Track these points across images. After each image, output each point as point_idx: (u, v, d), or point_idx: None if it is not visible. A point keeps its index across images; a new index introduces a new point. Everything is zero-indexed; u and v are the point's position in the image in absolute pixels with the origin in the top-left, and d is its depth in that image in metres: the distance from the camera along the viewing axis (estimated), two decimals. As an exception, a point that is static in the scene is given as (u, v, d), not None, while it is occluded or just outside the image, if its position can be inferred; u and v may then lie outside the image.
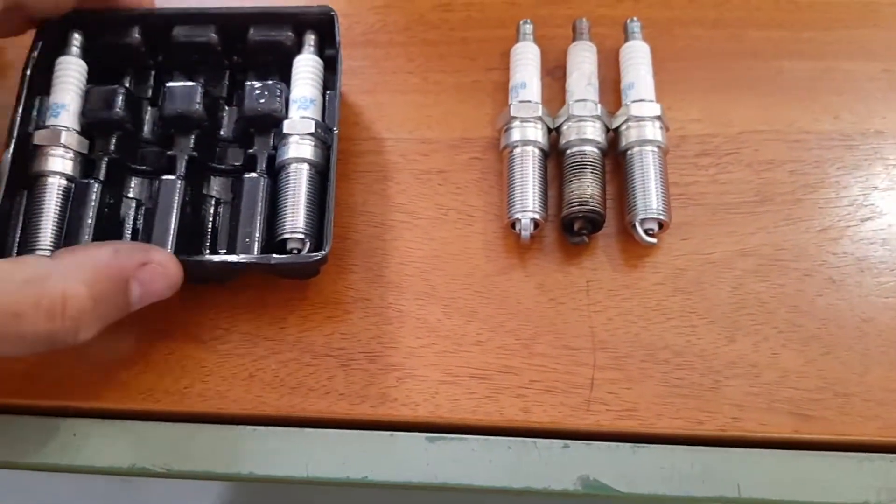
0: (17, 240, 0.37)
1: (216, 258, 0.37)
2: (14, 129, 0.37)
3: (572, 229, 0.38)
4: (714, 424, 0.35)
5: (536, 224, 0.38)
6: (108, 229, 0.38)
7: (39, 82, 0.39)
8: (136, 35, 0.41)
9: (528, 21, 0.43)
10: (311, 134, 0.38)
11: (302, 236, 0.36)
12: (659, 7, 0.46)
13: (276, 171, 0.39)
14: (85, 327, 0.31)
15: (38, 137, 0.37)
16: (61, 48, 0.40)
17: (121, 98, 0.39)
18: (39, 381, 0.37)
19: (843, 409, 0.35)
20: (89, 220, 0.37)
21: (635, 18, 0.43)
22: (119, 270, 0.32)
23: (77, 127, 0.39)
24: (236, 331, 0.38)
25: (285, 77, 0.41)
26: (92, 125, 0.39)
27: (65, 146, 0.38)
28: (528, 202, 0.38)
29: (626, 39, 0.43)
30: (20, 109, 0.38)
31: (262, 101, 0.40)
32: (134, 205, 0.40)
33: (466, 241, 0.40)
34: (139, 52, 0.41)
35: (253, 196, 0.38)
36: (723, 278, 0.38)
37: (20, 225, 0.38)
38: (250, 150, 0.40)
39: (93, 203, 0.37)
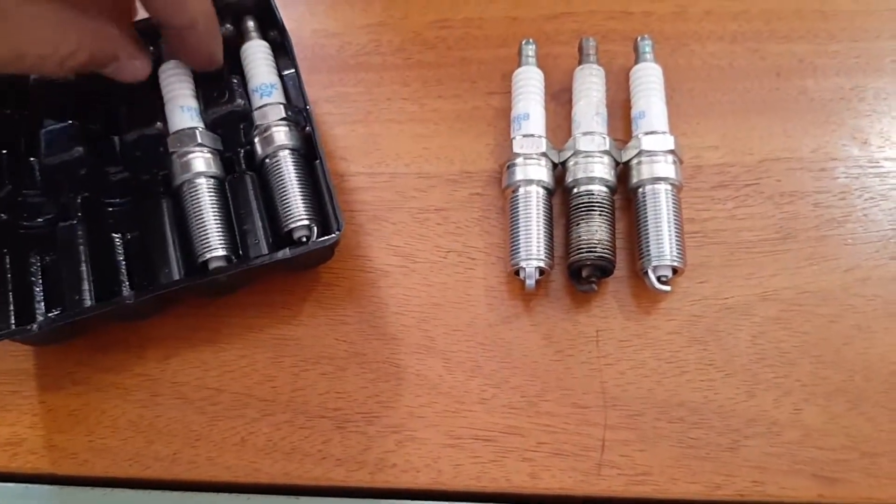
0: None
1: (233, 269, 0.34)
2: None
3: (580, 276, 0.36)
4: (732, 489, 0.33)
5: (542, 271, 0.36)
6: (105, 269, 0.37)
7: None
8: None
9: (531, 41, 0.40)
10: (282, 119, 0.37)
11: (307, 222, 0.35)
12: (672, 20, 0.42)
13: (258, 165, 0.37)
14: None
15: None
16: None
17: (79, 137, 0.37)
18: (23, 448, 0.36)
19: (870, 470, 0.33)
20: (82, 266, 0.36)
21: (646, 37, 0.40)
22: None
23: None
24: (226, 390, 0.36)
25: (233, 71, 0.39)
26: (54, 168, 0.37)
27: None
28: (533, 249, 0.35)
29: (637, 60, 0.40)
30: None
31: (222, 100, 0.38)
32: (120, 239, 0.38)
33: (467, 287, 0.37)
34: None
35: (245, 195, 0.37)
36: (742, 326, 0.36)
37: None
38: (226, 154, 0.38)
39: (81, 246, 0.36)
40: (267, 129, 0.36)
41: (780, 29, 0.42)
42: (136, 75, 0.36)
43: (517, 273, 0.36)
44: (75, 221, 0.36)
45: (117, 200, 0.38)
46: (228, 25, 0.39)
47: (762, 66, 0.41)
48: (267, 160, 0.36)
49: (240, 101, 0.38)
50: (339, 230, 0.34)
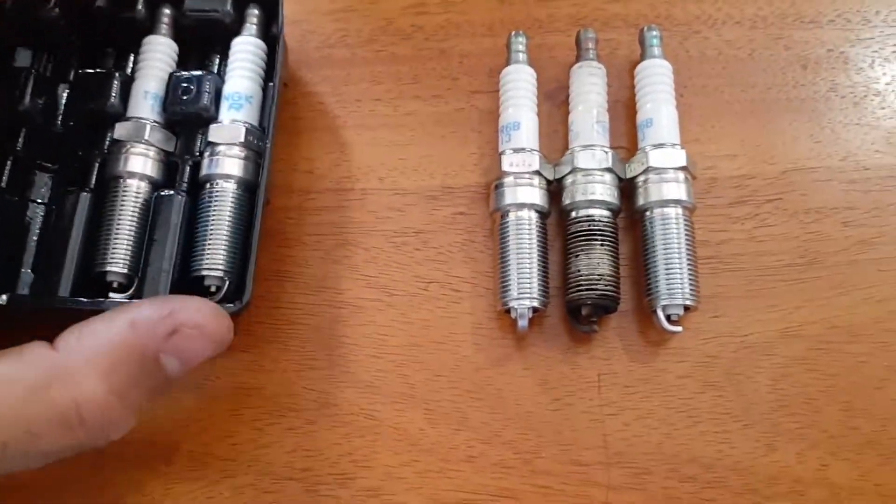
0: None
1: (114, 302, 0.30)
2: None
3: (579, 314, 0.32)
4: (751, 557, 0.30)
5: (536, 310, 0.31)
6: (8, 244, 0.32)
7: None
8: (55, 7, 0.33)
9: (521, 34, 0.35)
10: (240, 143, 0.32)
11: (221, 273, 0.31)
12: (683, 1, 0.37)
13: (200, 183, 0.32)
14: (113, 426, 0.26)
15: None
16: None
17: (30, 86, 0.32)
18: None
19: (904, 533, 0.29)
20: None
21: (654, 27, 0.34)
22: (141, 349, 0.25)
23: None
24: (181, 448, 0.32)
25: (221, 63, 0.35)
26: None
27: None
28: (526, 286, 0.31)
29: (643, 55, 0.34)
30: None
31: (186, 97, 0.33)
32: (42, 211, 0.33)
33: (452, 325, 0.33)
34: (59, 26, 0.34)
35: (166, 219, 0.31)
36: (762, 368, 0.32)
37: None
38: (174, 158, 0.33)
39: None
40: (218, 151, 0.32)
41: (806, 12, 0.37)
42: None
43: (508, 312, 0.31)
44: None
45: (49, 166, 0.33)
46: (229, 9, 0.34)
47: (786, 56, 0.36)
48: (207, 185, 0.32)
49: (205, 104, 0.33)
50: (242, 302, 0.29)
